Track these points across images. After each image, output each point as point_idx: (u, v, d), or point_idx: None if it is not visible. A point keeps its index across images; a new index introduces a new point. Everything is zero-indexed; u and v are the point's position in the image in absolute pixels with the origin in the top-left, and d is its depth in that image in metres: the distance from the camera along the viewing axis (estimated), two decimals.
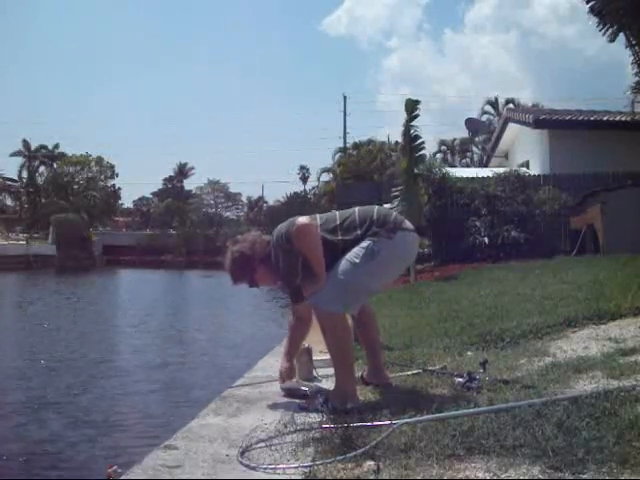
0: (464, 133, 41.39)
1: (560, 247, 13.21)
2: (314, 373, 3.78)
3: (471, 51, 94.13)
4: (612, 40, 13.00)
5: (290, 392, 3.39)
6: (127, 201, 71.71)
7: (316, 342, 3.71)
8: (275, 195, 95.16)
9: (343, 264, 3.12)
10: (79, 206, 51.03)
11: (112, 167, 57.32)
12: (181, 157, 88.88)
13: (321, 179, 50.51)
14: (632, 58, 13.25)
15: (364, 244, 3.14)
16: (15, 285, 26.78)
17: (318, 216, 3.36)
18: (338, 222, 3.26)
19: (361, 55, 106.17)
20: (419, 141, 12.45)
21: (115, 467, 2.33)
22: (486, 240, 13.59)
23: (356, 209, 3.35)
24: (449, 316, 5.96)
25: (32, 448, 5.13)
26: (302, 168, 63.90)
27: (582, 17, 72.05)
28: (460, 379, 3.30)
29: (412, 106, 12.20)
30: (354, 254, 3.13)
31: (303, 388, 3.36)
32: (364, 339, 3.60)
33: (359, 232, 3.19)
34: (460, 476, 2.06)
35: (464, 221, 14.15)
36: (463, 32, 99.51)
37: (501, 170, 16.00)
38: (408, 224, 3.33)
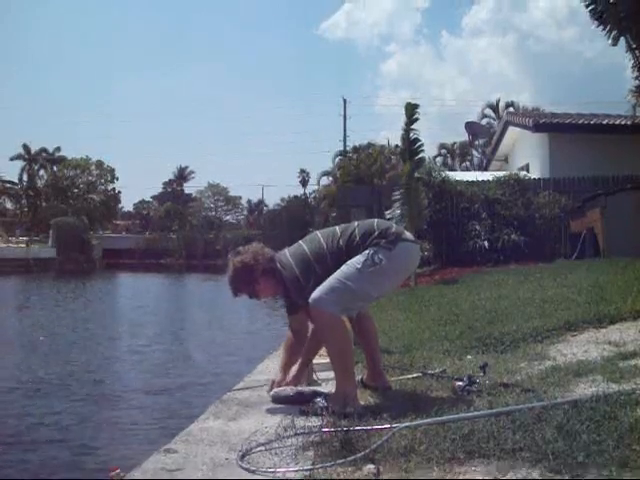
0: (464, 137, 41.45)
1: (560, 251, 13.22)
2: (314, 377, 3.77)
3: (470, 55, 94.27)
4: (614, 44, 13.05)
5: (280, 400, 3.32)
6: (127, 204, 71.85)
7: None
8: (275, 198, 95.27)
9: (345, 269, 3.15)
10: (79, 209, 51.04)
11: (112, 171, 57.42)
12: (181, 160, 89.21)
13: (321, 182, 50.59)
14: (632, 62, 13.29)
15: (365, 252, 3.18)
16: (13, 289, 26.73)
17: (323, 241, 3.31)
18: (339, 234, 3.31)
19: (360, 59, 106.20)
20: (418, 144, 12.47)
21: (118, 470, 2.33)
22: (486, 244, 13.62)
23: (355, 223, 3.40)
24: (449, 319, 5.96)
25: (34, 451, 5.12)
26: (302, 171, 64.01)
27: (580, 20, 72.10)
28: (460, 383, 3.30)
29: (412, 110, 12.23)
30: (356, 261, 3.17)
31: (292, 394, 3.30)
32: (363, 342, 3.60)
33: (360, 245, 3.23)
34: (460, 479, 2.06)
35: (464, 225, 14.18)
36: (461, 36, 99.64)
37: (501, 174, 16.02)
38: (408, 235, 3.38)
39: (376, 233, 3.24)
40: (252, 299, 3.51)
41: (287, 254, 3.35)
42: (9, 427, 5.76)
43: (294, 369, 3.50)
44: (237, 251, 3.46)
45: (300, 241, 3.44)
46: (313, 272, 3.20)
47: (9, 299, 20.92)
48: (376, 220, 3.46)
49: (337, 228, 3.42)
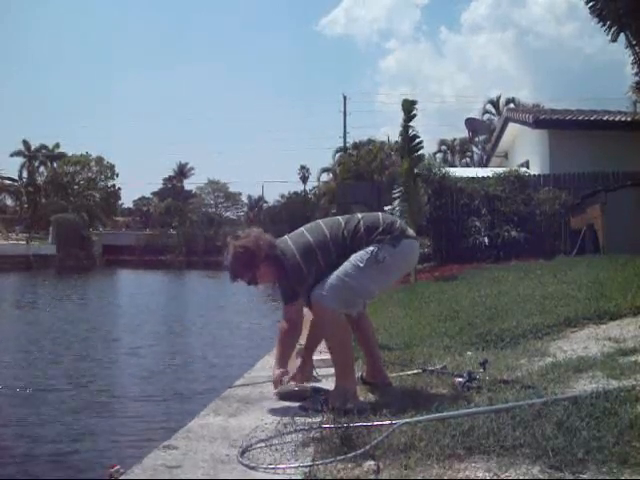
0: (464, 133, 41.34)
1: (560, 247, 13.22)
2: (314, 373, 3.77)
3: (469, 51, 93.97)
4: (614, 40, 13.02)
5: (287, 395, 3.33)
6: (127, 201, 71.78)
7: None
8: (275, 195, 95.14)
9: (347, 265, 3.15)
10: (79, 206, 51.01)
11: (112, 167, 57.36)
12: (181, 157, 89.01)
13: (321, 179, 50.60)
14: (632, 58, 13.27)
15: (369, 249, 3.17)
16: (13, 286, 26.71)
17: (326, 230, 3.28)
18: (343, 225, 3.28)
19: (360, 55, 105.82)
20: (417, 141, 12.44)
21: (118, 467, 2.33)
22: (486, 240, 13.61)
23: (359, 215, 3.36)
24: (449, 316, 5.96)
25: (34, 448, 5.13)
26: (302, 168, 63.97)
27: (580, 16, 71.86)
28: (460, 379, 3.30)
29: (409, 106, 12.20)
30: (359, 257, 3.16)
31: (297, 388, 3.32)
32: (361, 339, 3.59)
33: (364, 238, 3.21)
34: (460, 476, 2.06)
35: (464, 221, 14.17)
36: (460, 32, 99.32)
37: (501, 170, 16.01)
38: (411, 232, 3.39)
39: (381, 228, 3.23)
40: (250, 285, 3.42)
41: (288, 241, 3.31)
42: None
43: (298, 363, 3.51)
44: (237, 235, 3.38)
45: (302, 228, 3.40)
46: (315, 261, 3.19)
47: (8, 297, 20.89)
48: (381, 214, 3.45)
49: (340, 218, 3.38)
